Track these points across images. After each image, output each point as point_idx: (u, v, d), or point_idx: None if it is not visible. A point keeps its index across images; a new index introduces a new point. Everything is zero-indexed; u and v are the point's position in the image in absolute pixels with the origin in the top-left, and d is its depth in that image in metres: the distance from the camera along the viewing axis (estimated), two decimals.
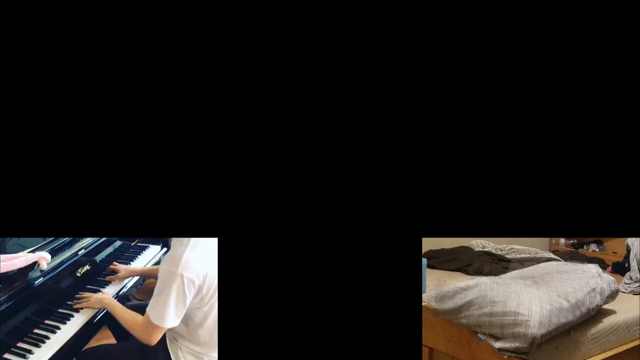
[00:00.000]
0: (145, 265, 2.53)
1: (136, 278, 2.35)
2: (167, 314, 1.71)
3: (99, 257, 2.27)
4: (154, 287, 1.96)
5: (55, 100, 1.74)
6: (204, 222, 1.77)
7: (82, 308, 1.96)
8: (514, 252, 3.37)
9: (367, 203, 1.78)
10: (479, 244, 3.56)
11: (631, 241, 3.16)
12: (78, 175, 1.75)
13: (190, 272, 1.70)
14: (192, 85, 1.76)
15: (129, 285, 2.28)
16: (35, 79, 1.74)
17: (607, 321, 2.26)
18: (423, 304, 2.25)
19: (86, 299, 1.99)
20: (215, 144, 1.77)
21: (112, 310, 1.92)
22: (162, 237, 1.84)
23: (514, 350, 1.90)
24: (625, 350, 2.29)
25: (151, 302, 1.74)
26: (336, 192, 1.78)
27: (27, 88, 1.74)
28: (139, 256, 2.56)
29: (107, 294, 2.11)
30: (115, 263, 2.34)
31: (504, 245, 3.49)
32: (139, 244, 2.67)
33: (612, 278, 2.41)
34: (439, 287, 2.16)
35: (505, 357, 1.91)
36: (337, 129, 1.77)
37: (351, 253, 1.78)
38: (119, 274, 2.29)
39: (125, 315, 1.87)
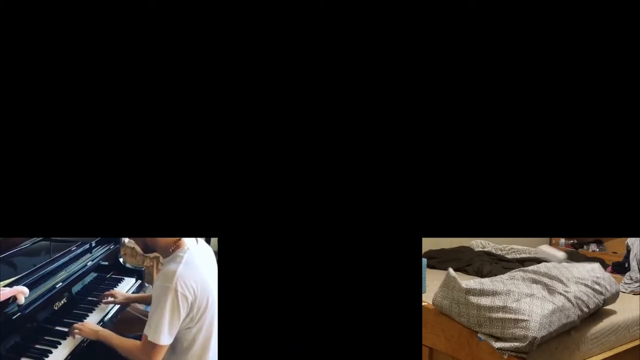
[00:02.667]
0: None
1: (113, 311, 2.33)
2: (162, 329, 1.71)
3: (75, 290, 2.25)
4: (130, 318, 1.92)
5: (55, 100, 1.74)
6: (205, 221, 1.77)
7: (60, 343, 1.91)
8: (514, 252, 3.37)
9: (367, 203, 1.78)
10: (479, 244, 3.56)
11: (631, 241, 3.16)
12: (78, 175, 1.75)
13: (183, 287, 1.71)
14: (192, 85, 1.76)
15: (106, 318, 2.25)
16: (36, 79, 1.74)
17: (607, 321, 2.26)
18: (423, 303, 2.25)
19: (79, 329, 1.95)
20: (216, 143, 1.77)
21: (109, 340, 1.89)
22: (163, 237, 1.83)
23: (514, 350, 1.90)
24: (625, 350, 2.29)
25: (148, 322, 1.74)
26: (336, 192, 1.78)
27: (27, 88, 1.74)
28: (114, 288, 2.54)
29: (97, 325, 2.07)
30: (113, 290, 2.34)
31: (504, 245, 3.49)
32: (113, 275, 2.66)
33: (613, 279, 2.41)
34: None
35: (505, 357, 1.91)
36: (337, 129, 1.77)
37: (351, 253, 1.78)
38: (116, 299, 2.29)
39: (124, 343, 1.85)
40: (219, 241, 1.80)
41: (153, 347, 1.72)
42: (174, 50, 1.75)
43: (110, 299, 2.28)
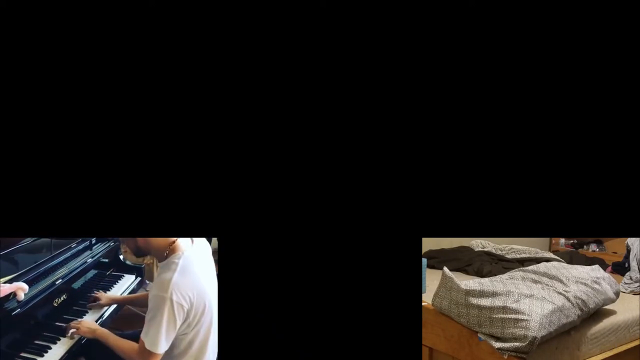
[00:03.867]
0: (120, 294, 2.50)
1: (112, 307, 2.32)
2: (160, 338, 1.71)
3: (75, 286, 2.25)
4: (129, 315, 1.89)
5: (55, 101, 1.74)
6: (205, 222, 1.77)
7: (59, 340, 1.91)
8: (514, 252, 3.37)
9: (367, 203, 1.78)
10: (479, 244, 3.56)
11: (631, 241, 3.16)
12: (79, 175, 1.75)
13: (179, 296, 1.71)
14: (192, 85, 1.76)
15: (105, 315, 2.25)
16: (36, 79, 1.74)
17: (607, 321, 2.26)
18: (423, 303, 2.25)
19: (76, 327, 1.95)
20: (216, 144, 1.77)
21: (106, 339, 1.89)
22: (163, 237, 1.83)
23: (514, 350, 1.90)
24: (625, 350, 2.29)
25: (145, 329, 1.74)
26: (336, 193, 1.78)
27: (27, 88, 1.74)
28: (114, 285, 2.54)
29: (95, 323, 2.07)
30: (97, 291, 2.32)
31: (504, 245, 3.49)
32: (113, 272, 2.65)
33: (614, 280, 2.42)
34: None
35: (505, 357, 1.91)
36: (337, 129, 1.78)
37: (351, 253, 1.78)
38: (100, 302, 2.26)
39: (120, 343, 1.85)
40: (219, 241, 1.80)
41: (150, 353, 1.72)
42: (174, 50, 1.76)
43: (96, 302, 2.26)
